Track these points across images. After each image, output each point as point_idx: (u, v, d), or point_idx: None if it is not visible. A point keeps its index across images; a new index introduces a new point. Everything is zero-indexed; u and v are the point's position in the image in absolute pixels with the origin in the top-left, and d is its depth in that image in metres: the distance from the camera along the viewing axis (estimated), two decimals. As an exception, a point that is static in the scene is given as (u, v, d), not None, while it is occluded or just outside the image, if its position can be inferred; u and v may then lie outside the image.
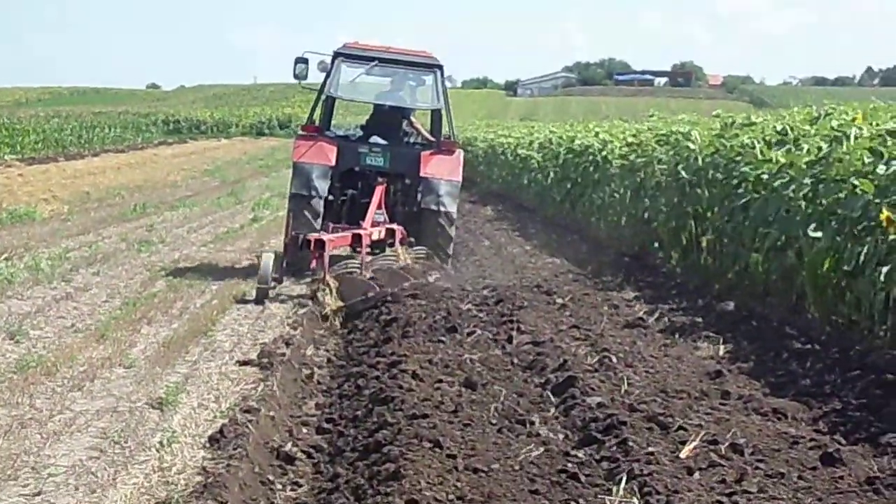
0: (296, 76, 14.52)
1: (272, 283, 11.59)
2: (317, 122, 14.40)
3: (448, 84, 14.66)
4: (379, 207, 13.28)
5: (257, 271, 11.69)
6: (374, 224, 12.80)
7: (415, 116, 15.06)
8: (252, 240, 17.22)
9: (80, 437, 6.36)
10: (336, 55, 14.14)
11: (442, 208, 13.43)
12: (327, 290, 10.93)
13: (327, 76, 14.15)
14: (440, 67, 14.26)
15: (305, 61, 14.32)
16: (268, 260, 11.63)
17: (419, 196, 13.71)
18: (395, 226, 13.08)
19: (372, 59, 14.22)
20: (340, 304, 10.85)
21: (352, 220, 13.19)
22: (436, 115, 14.75)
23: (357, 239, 12.16)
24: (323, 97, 14.36)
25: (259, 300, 11.30)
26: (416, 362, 7.68)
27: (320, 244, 11.23)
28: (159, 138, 65.20)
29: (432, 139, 14.43)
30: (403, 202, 14.11)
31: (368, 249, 12.24)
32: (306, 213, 13.24)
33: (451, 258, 13.76)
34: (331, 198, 13.72)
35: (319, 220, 13.17)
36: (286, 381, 7.71)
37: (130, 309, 10.55)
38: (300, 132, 14.62)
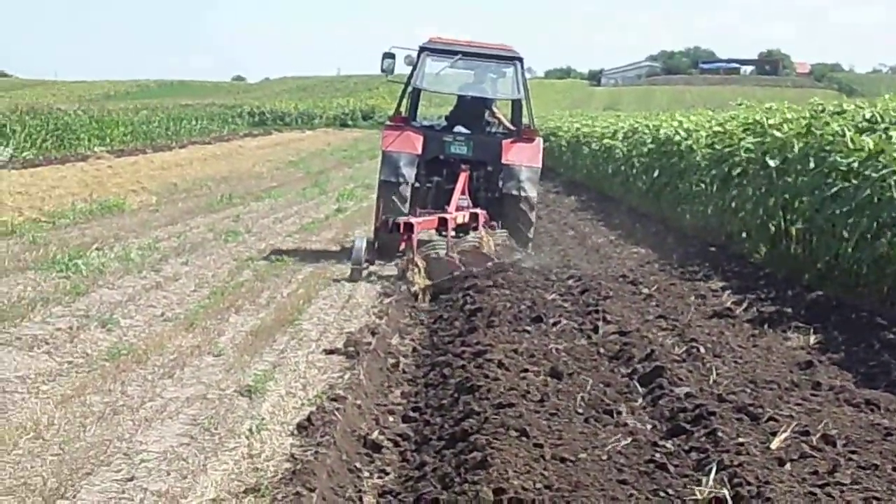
0: (383, 70, 15.25)
1: (365, 265, 12.36)
2: (403, 113, 15.02)
3: (528, 75, 15.12)
4: (463, 193, 13.80)
5: (348, 257, 12.49)
6: (459, 208, 13.30)
7: (496, 106, 15.49)
8: (337, 230, 17.31)
9: (171, 424, 6.44)
10: (421, 49, 14.74)
11: (523, 193, 14.00)
12: (416, 270, 11.66)
13: (413, 69, 14.76)
14: (520, 60, 14.74)
15: (392, 56, 15.09)
16: (360, 242, 12.52)
17: (501, 182, 14.25)
18: (478, 210, 13.53)
19: (455, 52, 14.85)
20: (428, 282, 11.56)
21: (437, 206, 13.78)
22: (516, 105, 15.18)
23: (443, 222, 12.69)
24: (409, 89, 15.00)
25: (353, 279, 12.07)
26: (501, 352, 7.67)
27: (409, 227, 11.94)
28: (245, 130, 65.89)
29: (513, 128, 14.94)
30: (486, 188, 14.59)
31: (454, 232, 12.78)
32: (395, 198, 13.81)
33: (531, 240, 14.31)
34: (417, 184, 14.27)
35: (407, 206, 13.82)
36: (372, 370, 7.75)
37: (218, 298, 10.66)
38: (388, 123, 15.20)
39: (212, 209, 19.64)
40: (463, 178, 13.93)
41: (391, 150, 14.16)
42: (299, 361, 8.18)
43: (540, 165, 14.44)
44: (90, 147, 38.75)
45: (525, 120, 14.93)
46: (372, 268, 12.65)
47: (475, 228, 13.34)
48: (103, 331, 8.91)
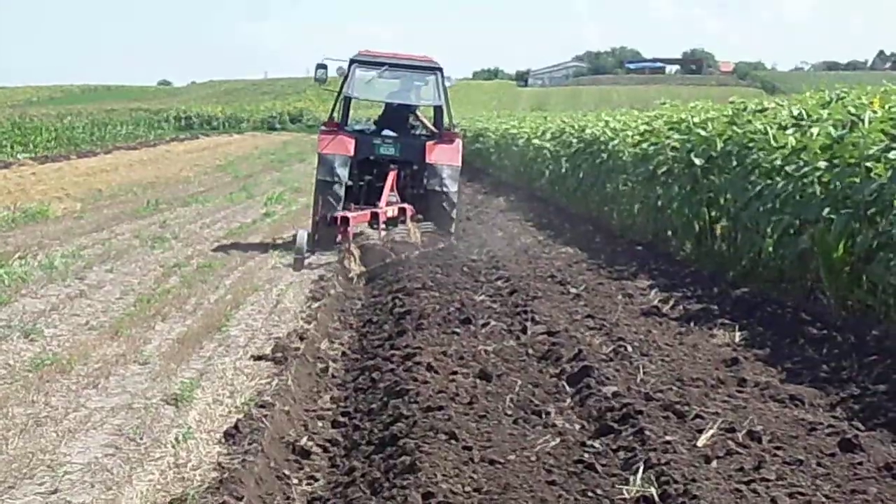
0: (316, 79, 17.24)
1: (306, 254, 13.64)
2: (337, 119, 16.37)
3: (447, 83, 16.54)
4: (392, 190, 15.39)
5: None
6: (389, 204, 14.93)
7: (420, 112, 17.20)
8: (264, 234, 17.21)
9: (96, 435, 6.35)
10: (352, 62, 16.34)
11: (445, 189, 15.57)
12: (352, 258, 13.02)
13: (345, 79, 16.46)
14: (440, 70, 16.39)
15: (325, 66, 16.97)
16: (303, 234, 13.89)
17: (425, 179, 15.74)
18: (406, 205, 15.25)
19: (382, 64, 16.45)
20: (363, 268, 12.98)
21: (369, 202, 15.24)
22: (438, 110, 16.57)
23: (375, 216, 14.31)
24: (341, 97, 16.41)
25: (296, 268, 13.28)
26: (430, 354, 7.67)
27: (345, 221, 13.39)
28: (171, 134, 65.28)
29: (435, 130, 16.51)
30: (412, 185, 16.13)
31: (384, 225, 14.38)
32: (330, 196, 15.21)
33: (453, 232, 15.74)
34: (350, 183, 15.67)
35: (342, 202, 15.16)
36: (301, 376, 7.70)
37: (144, 305, 10.55)
38: (322, 128, 16.46)
39: (138, 215, 19.43)
40: (391, 176, 15.51)
41: (326, 152, 15.54)
42: (227, 368, 8.12)
43: (460, 164, 15.99)
44: (13, 154, 38.15)
45: (446, 123, 16.39)
46: (311, 258, 13.86)
47: (403, 221, 14.98)
48: (26, 341, 8.78)
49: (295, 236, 14.36)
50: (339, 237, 13.55)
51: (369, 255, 13.31)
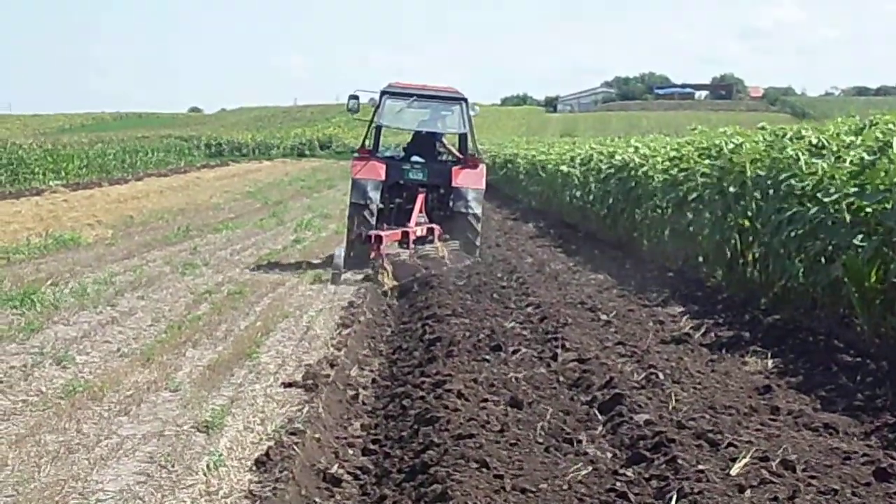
0: (349, 109, 18.25)
1: (343, 270, 14.82)
2: (368, 146, 17.47)
3: (472, 112, 17.72)
4: (420, 212, 16.57)
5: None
6: (418, 224, 16.11)
7: (446, 139, 18.53)
8: (294, 260, 17.26)
9: (127, 462, 6.36)
10: (383, 93, 17.51)
11: (470, 211, 16.73)
12: (385, 273, 14.06)
13: (376, 109, 17.53)
14: (465, 100, 17.63)
15: (357, 97, 17.95)
16: (340, 252, 15.26)
17: (451, 202, 16.91)
18: (433, 225, 16.38)
19: (411, 95, 17.69)
20: (395, 283, 13.95)
21: (399, 223, 16.20)
22: (462, 138, 18.03)
23: (405, 235, 15.50)
24: (373, 126, 17.68)
25: (334, 282, 14.53)
26: (460, 381, 7.64)
27: (378, 239, 14.59)
28: (201, 161, 65.79)
29: (460, 156, 17.80)
30: (439, 207, 17.24)
31: (414, 244, 15.52)
32: (363, 218, 16.34)
33: (478, 248, 16.95)
34: (382, 206, 16.76)
35: (374, 223, 16.14)
36: (331, 403, 7.70)
37: (175, 332, 10.58)
38: (355, 154, 17.59)
39: (168, 242, 19.53)
40: (420, 199, 16.70)
41: (359, 177, 16.67)
42: (257, 395, 8.12)
43: (484, 187, 17.20)
44: (45, 181, 38.54)
45: (470, 149, 17.70)
46: (346, 274, 14.89)
47: (431, 241, 16.12)
48: (58, 368, 8.82)
49: (332, 255, 15.60)
50: (373, 254, 14.56)
51: (400, 270, 14.34)
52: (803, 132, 11.94)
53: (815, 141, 10.80)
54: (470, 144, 17.69)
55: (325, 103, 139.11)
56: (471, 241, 16.70)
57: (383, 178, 16.76)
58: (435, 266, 14.69)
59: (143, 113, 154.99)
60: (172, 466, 6.27)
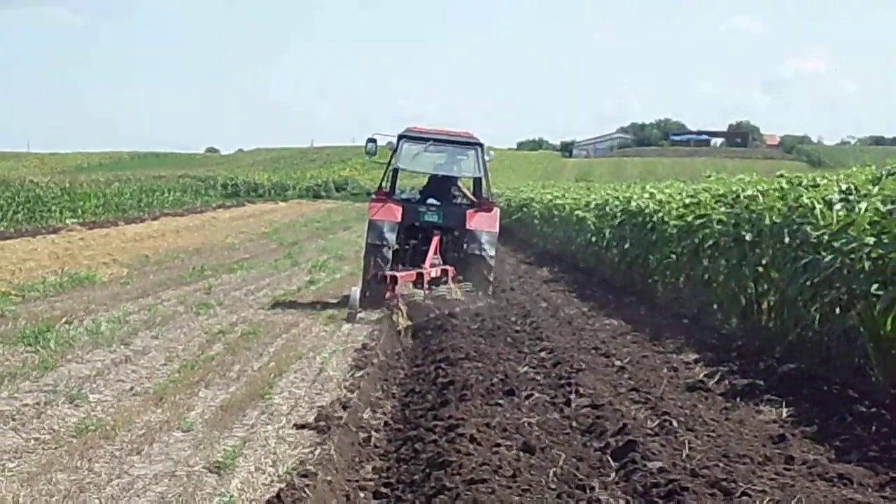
0: (367, 152, 18.75)
1: (359, 309, 15.18)
2: (385, 188, 17.95)
3: (487, 157, 18.18)
4: (435, 253, 16.95)
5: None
6: (433, 266, 16.50)
7: (460, 182, 18.96)
8: (309, 301, 17.27)
9: (139, 502, 6.36)
10: (400, 137, 18.06)
11: (484, 253, 17.10)
12: (400, 313, 14.19)
13: (393, 153, 18.16)
14: (480, 145, 18.14)
15: (375, 141, 18.43)
16: (356, 291, 15.61)
17: (465, 244, 17.32)
18: (448, 267, 16.86)
19: (427, 139, 18.24)
20: (409, 322, 14.08)
21: (414, 264, 16.75)
22: (477, 181, 18.47)
23: (420, 276, 15.80)
24: (390, 169, 18.19)
25: (350, 320, 14.88)
26: (473, 426, 7.61)
27: (394, 279, 14.95)
28: (218, 201, 66.00)
29: (475, 200, 18.30)
30: (454, 249, 17.70)
31: (429, 285, 15.87)
32: (380, 258, 16.75)
33: (491, 289, 17.25)
34: (397, 247, 17.22)
35: (390, 264, 16.69)
36: (343, 445, 7.68)
37: (188, 372, 10.59)
38: (373, 196, 18.13)
39: (183, 281, 19.57)
40: (435, 241, 17.11)
41: (376, 218, 17.10)
42: (269, 437, 8.11)
43: (497, 230, 17.57)
44: (62, 219, 38.73)
45: (485, 193, 18.23)
46: (361, 314, 15.18)
47: (446, 282, 16.48)
48: (71, 406, 8.83)
49: (348, 296, 15.79)
50: (388, 294, 14.86)
51: (415, 310, 14.57)
52: (818, 180, 11.96)
53: (844, 187, 10.77)
54: (484, 188, 18.23)
55: (342, 145, 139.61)
56: (484, 282, 17.06)
57: (399, 219, 17.21)
58: (449, 307, 14.96)
59: (160, 153, 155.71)
60: (183, 507, 6.26)
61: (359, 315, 15.12)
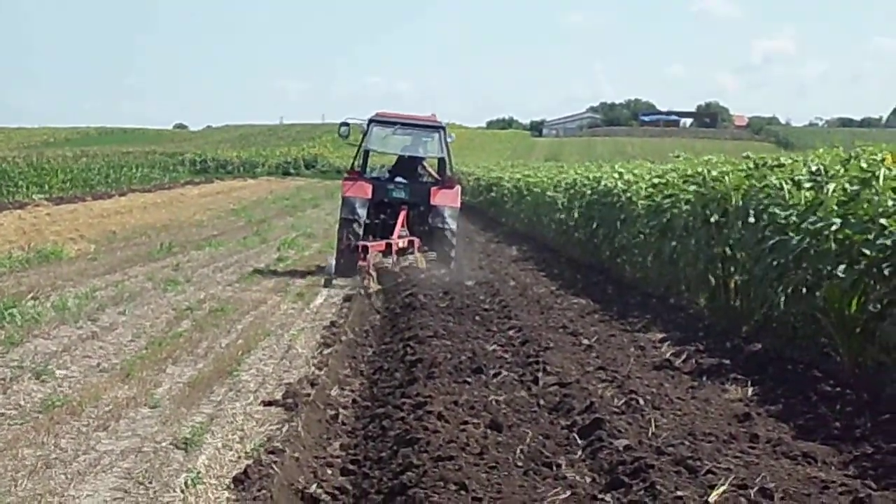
0: (340, 135, 20.54)
1: (334, 275, 17.16)
2: (357, 168, 19.66)
3: (449, 139, 19.75)
4: (402, 226, 18.60)
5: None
6: (400, 237, 18.20)
7: (426, 162, 20.71)
8: (277, 279, 17.25)
9: (105, 478, 6.34)
10: (370, 121, 19.58)
11: (446, 226, 18.72)
12: (371, 278, 15.92)
13: (364, 135, 19.60)
14: (443, 128, 19.95)
15: (348, 124, 20.07)
16: (331, 260, 17.93)
17: (430, 218, 18.87)
18: (414, 238, 18.58)
19: (395, 123, 19.96)
20: (379, 287, 15.87)
21: (383, 236, 18.36)
22: (441, 161, 20.09)
23: (389, 246, 17.73)
24: (361, 150, 19.80)
25: (326, 285, 16.79)
26: (441, 403, 7.63)
27: (365, 249, 16.58)
28: (186, 178, 65.64)
29: (438, 178, 19.97)
30: (419, 223, 19.19)
31: (396, 255, 17.70)
32: (352, 231, 18.29)
33: (454, 259, 18.75)
34: (368, 221, 18.75)
35: (361, 235, 18.19)
36: (311, 422, 7.68)
37: (156, 349, 10.55)
38: (346, 175, 19.76)
39: (151, 258, 19.50)
40: (402, 215, 18.73)
41: (349, 195, 18.66)
42: (237, 413, 8.11)
43: (459, 206, 19.20)
44: (28, 194, 38.42)
45: (448, 172, 19.73)
46: (335, 281, 16.88)
47: (412, 252, 18.27)
48: (37, 382, 8.79)
49: (323, 266, 18.06)
50: (360, 262, 16.34)
51: (384, 276, 16.46)
52: (782, 160, 12.02)
53: (814, 168, 10.83)
54: (447, 167, 19.78)
55: (312, 122, 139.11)
56: (447, 252, 18.65)
57: (370, 196, 18.71)
58: (414, 273, 16.62)
59: (128, 128, 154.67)
60: (150, 483, 6.25)
61: (333, 281, 16.88)
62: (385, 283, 16.04)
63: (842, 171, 10.13)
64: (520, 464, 6.37)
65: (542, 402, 8.17)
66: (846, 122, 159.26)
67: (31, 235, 22.30)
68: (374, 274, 16.21)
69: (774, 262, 10.43)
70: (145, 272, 17.09)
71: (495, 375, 9.01)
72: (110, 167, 57.76)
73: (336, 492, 6.28)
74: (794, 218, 10.24)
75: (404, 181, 19.54)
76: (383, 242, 17.81)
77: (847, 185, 9.50)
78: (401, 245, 18.17)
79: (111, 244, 22.00)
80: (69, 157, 60.81)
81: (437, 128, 20.04)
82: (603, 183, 19.81)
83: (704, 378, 9.42)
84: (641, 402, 8.05)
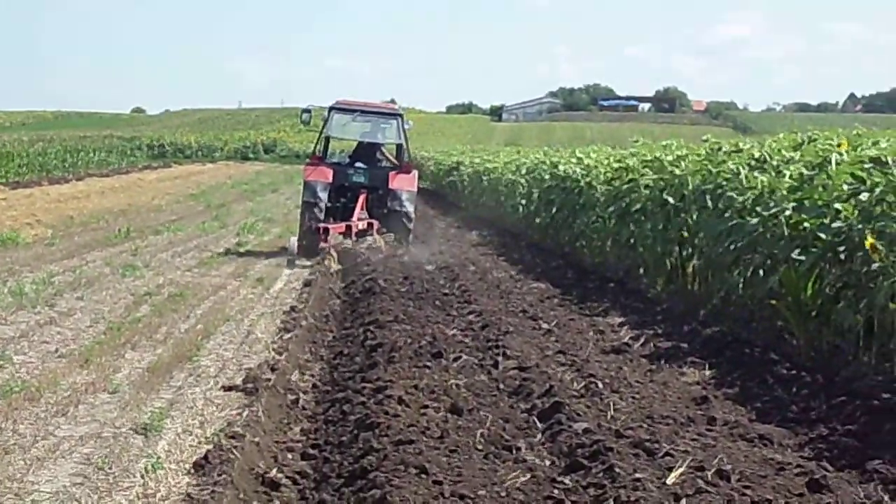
0: (302, 122, 22.89)
1: (297, 255, 17.62)
2: (318, 153, 20.55)
3: (406, 126, 20.69)
4: (362, 209, 19.52)
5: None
6: (360, 220, 19.13)
7: (384, 148, 21.33)
8: (237, 264, 17.20)
9: (64, 464, 6.32)
10: (331, 108, 20.58)
11: (404, 209, 19.60)
12: (332, 258, 16.84)
13: (325, 122, 20.69)
14: (401, 115, 20.92)
15: (309, 111, 22.13)
16: (294, 241, 18.21)
17: (388, 202, 19.70)
18: (373, 221, 19.52)
19: (355, 110, 20.95)
20: (340, 266, 16.56)
21: (344, 218, 19.22)
22: (399, 147, 21.08)
23: (349, 228, 18.72)
24: (322, 136, 20.79)
25: (290, 266, 17.15)
26: (401, 388, 7.66)
27: (326, 230, 17.87)
28: (144, 162, 65.22)
29: (396, 163, 20.79)
30: (378, 206, 19.99)
31: (355, 236, 18.74)
32: (313, 214, 19.07)
33: (410, 242, 19.64)
34: (329, 204, 19.49)
35: (322, 218, 18.95)
36: (271, 407, 7.68)
37: (115, 334, 10.51)
38: (308, 161, 20.78)
39: (109, 243, 19.38)
40: (361, 198, 19.60)
41: (310, 179, 19.51)
42: (197, 398, 8.09)
43: (416, 190, 20.11)
44: (-17, 179, 38.01)
45: (405, 157, 20.81)
46: (298, 262, 17.36)
47: (371, 234, 19.21)
48: (-5, 368, 8.72)
49: (286, 247, 18.45)
50: (322, 243, 17.54)
51: (344, 256, 17.25)
52: (741, 145, 12.12)
53: (757, 155, 10.95)
54: (405, 153, 20.88)
55: (271, 107, 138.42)
56: (404, 234, 19.69)
57: (331, 180, 19.53)
58: (373, 254, 17.40)
59: (84, 112, 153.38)
60: (109, 468, 6.24)
61: (296, 262, 17.38)
62: (345, 263, 16.67)
63: (796, 156, 10.23)
64: (480, 447, 6.41)
65: (501, 386, 8.22)
66: (803, 108, 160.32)
67: (-14, 220, 22.09)
68: (335, 254, 17.07)
69: (731, 247, 10.55)
70: (103, 257, 17.00)
71: (455, 360, 9.04)
72: (67, 151, 57.27)
73: (296, 476, 6.29)
74: (749, 202, 10.34)
75: (364, 166, 20.29)
76: (343, 224, 18.75)
77: (803, 170, 9.60)
78: (360, 227, 19.05)
79: (68, 229, 21.85)
80: (25, 142, 60.23)
81: (395, 115, 21.00)
82: (562, 168, 19.88)
83: (662, 361, 9.50)
84: (600, 385, 8.12)
